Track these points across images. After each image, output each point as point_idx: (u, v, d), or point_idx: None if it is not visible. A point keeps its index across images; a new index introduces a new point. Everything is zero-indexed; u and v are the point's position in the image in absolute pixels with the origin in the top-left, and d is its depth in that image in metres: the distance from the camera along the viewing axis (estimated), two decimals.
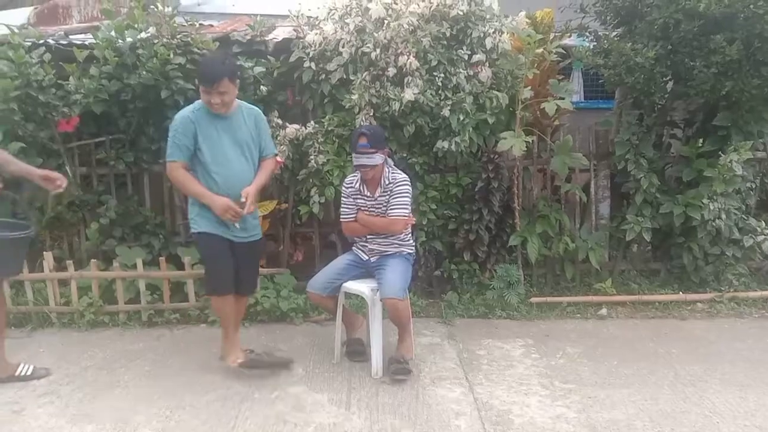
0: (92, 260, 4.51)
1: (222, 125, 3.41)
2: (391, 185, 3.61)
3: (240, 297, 3.70)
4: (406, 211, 3.62)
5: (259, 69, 4.57)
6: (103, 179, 4.94)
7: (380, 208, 3.64)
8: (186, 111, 3.42)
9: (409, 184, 3.67)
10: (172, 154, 3.38)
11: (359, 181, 3.68)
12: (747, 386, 3.44)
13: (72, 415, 3.17)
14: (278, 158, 4.44)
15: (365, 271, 3.76)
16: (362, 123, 4.34)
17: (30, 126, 4.48)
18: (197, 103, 3.45)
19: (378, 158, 3.53)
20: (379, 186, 3.63)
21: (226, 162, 3.40)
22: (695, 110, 4.89)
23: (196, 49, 4.53)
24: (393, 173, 3.65)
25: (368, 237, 3.73)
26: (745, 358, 3.81)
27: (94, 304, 4.43)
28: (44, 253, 4.46)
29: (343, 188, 3.79)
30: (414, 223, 3.91)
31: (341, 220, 3.80)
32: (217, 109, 3.33)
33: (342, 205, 3.78)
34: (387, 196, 3.61)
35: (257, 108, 3.65)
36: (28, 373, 3.57)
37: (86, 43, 4.67)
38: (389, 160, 3.72)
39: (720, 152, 4.57)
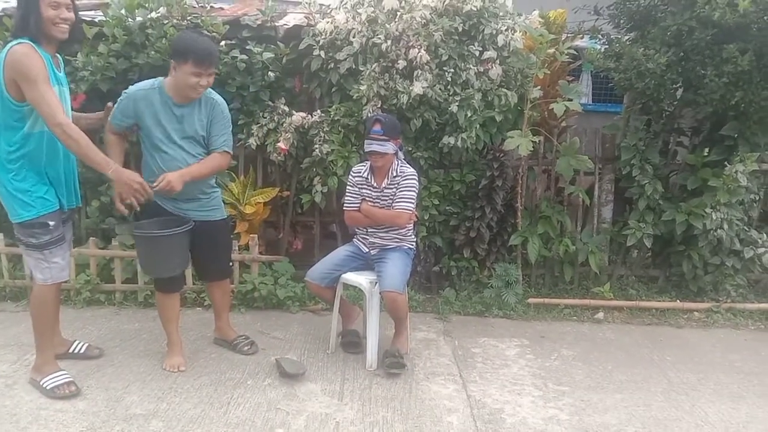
0: (91, 238, 4.50)
1: (176, 112, 3.20)
2: (399, 178, 3.59)
3: (215, 285, 3.71)
4: (412, 205, 3.59)
5: (268, 55, 4.55)
6: None
7: (385, 200, 3.62)
8: (143, 87, 3.21)
9: (417, 179, 3.65)
10: (112, 117, 3.27)
11: (368, 170, 3.66)
12: (740, 397, 3.44)
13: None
14: (282, 145, 4.44)
15: (365, 263, 3.76)
16: (369, 114, 4.32)
17: None
18: (156, 81, 3.23)
19: (390, 147, 3.50)
20: (387, 177, 3.61)
21: (167, 152, 3.22)
22: (703, 119, 4.87)
23: (206, 32, 4.49)
24: (402, 166, 3.63)
25: (369, 230, 3.72)
26: (739, 370, 3.81)
27: (91, 282, 4.43)
28: None
29: (350, 176, 3.77)
30: (417, 219, 3.89)
31: (344, 208, 3.78)
32: (199, 94, 3.17)
33: (346, 193, 3.76)
34: (393, 189, 3.59)
35: (217, 98, 3.35)
36: (82, 351, 3.56)
37: (96, 20, 4.64)
38: (400, 153, 3.69)
39: (726, 162, 4.55)
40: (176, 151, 3.23)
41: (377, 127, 3.48)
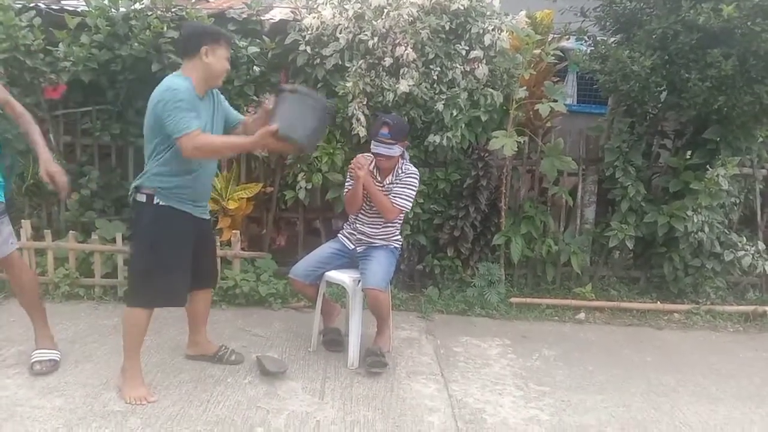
0: (71, 231, 4.44)
1: (206, 107, 3.00)
2: (403, 174, 3.58)
3: (204, 292, 3.43)
4: (408, 203, 3.58)
5: (253, 49, 4.51)
6: (87, 150, 4.87)
7: (388, 194, 3.59)
8: (184, 81, 2.85)
9: (418, 179, 3.64)
10: (188, 125, 2.75)
11: (373, 162, 3.61)
12: (718, 399, 3.47)
13: (41, 388, 3.11)
14: None
15: (349, 260, 3.73)
16: (355, 111, 4.31)
17: (15, 91, 4.37)
18: (183, 78, 2.90)
19: (396, 150, 3.49)
20: (392, 174, 3.60)
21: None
22: (686, 122, 4.91)
23: None
24: (407, 165, 3.63)
25: (358, 224, 3.68)
26: (717, 372, 3.85)
27: (70, 276, 4.37)
28: (22, 221, 4.38)
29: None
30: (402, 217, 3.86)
31: (346, 188, 3.70)
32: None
33: (348, 178, 3.69)
34: (397, 185, 3.58)
35: None
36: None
37: (78, 9, 4.57)
38: (406, 153, 3.67)
39: (707, 166, 4.60)
40: None
41: (385, 131, 3.44)
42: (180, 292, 3.11)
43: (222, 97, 3.21)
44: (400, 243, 3.84)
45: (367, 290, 3.47)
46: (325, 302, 3.83)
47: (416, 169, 3.66)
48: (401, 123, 3.60)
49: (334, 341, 3.79)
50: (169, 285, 3.03)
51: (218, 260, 3.66)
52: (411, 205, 3.62)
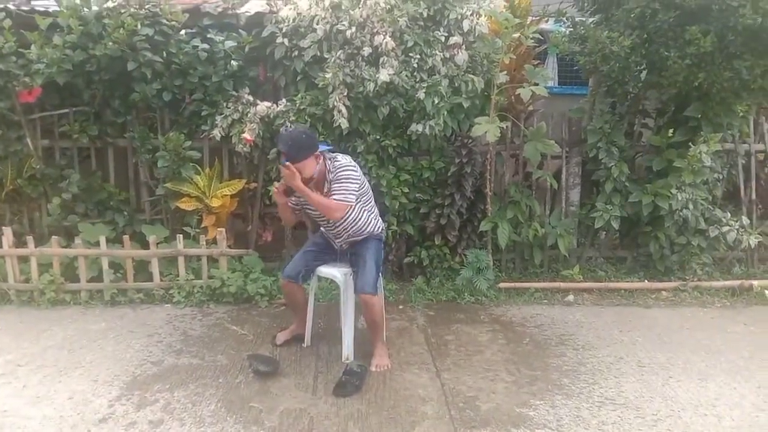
0: (53, 236, 4.38)
1: None
2: (334, 173, 3.31)
3: None
4: (349, 196, 3.28)
5: (230, 43, 4.46)
6: (66, 153, 4.79)
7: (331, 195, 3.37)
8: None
9: (354, 168, 3.34)
10: None
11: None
12: (708, 376, 3.50)
13: (30, 397, 3.09)
14: (247, 136, 4.37)
15: (338, 254, 3.66)
16: (336, 103, 4.26)
17: None
18: None
19: (308, 166, 3.23)
20: (326, 181, 3.35)
21: None
22: (667, 100, 4.92)
23: (164, 21, 4.39)
24: (335, 162, 3.34)
25: (328, 233, 3.59)
26: (706, 348, 3.88)
27: (55, 282, 4.31)
28: (3, 228, 4.32)
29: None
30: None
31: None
32: None
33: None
34: (333, 183, 3.33)
35: None
36: None
37: (50, 10, 4.48)
38: (328, 155, 3.38)
39: (690, 143, 4.61)
40: None
41: (283, 158, 3.21)
42: None
43: None
44: (382, 229, 3.66)
45: (359, 296, 3.40)
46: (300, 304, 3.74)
47: (347, 160, 3.36)
48: (296, 142, 3.20)
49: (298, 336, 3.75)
50: None
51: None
52: (354, 198, 3.30)
